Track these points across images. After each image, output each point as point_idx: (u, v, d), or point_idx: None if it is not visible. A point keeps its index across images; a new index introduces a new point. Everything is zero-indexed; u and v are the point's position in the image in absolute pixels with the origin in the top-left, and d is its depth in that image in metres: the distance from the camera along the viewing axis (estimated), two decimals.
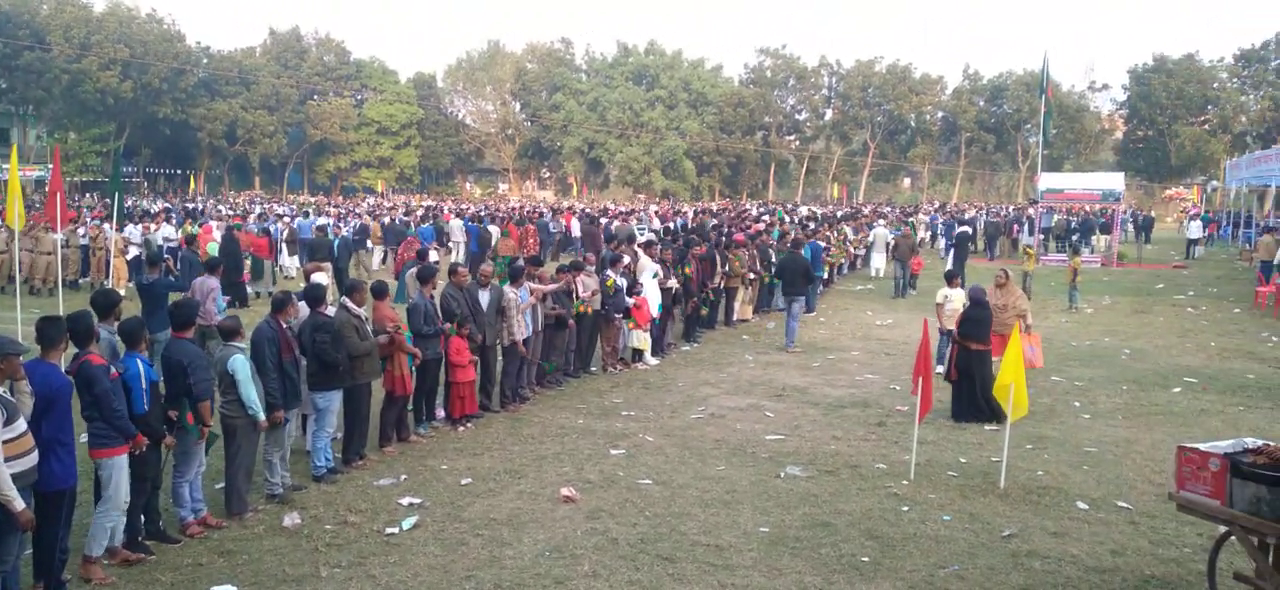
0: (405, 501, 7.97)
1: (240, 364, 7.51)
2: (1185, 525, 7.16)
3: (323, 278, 10.63)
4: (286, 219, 30.69)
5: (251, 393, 7.51)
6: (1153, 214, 45.03)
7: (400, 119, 77.71)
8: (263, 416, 7.59)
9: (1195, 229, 36.03)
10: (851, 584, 6.42)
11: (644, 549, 6.96)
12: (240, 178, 76.68)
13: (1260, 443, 5.78)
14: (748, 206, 50.53)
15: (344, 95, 76.96)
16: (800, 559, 6.84)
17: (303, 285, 11.35)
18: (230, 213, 35.29)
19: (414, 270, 11.52)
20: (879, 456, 9.46)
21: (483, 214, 33.84)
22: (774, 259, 19.04)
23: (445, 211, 37.22)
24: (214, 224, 27.24)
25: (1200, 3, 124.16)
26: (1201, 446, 5.83)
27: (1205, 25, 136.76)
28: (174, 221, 26.99)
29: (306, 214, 34.58)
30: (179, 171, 71.19)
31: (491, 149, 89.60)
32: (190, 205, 43.05)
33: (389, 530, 7.32)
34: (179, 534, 7.22)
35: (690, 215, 37.15)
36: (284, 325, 8.37)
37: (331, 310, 9.03)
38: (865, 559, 6.84)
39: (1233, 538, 5.75)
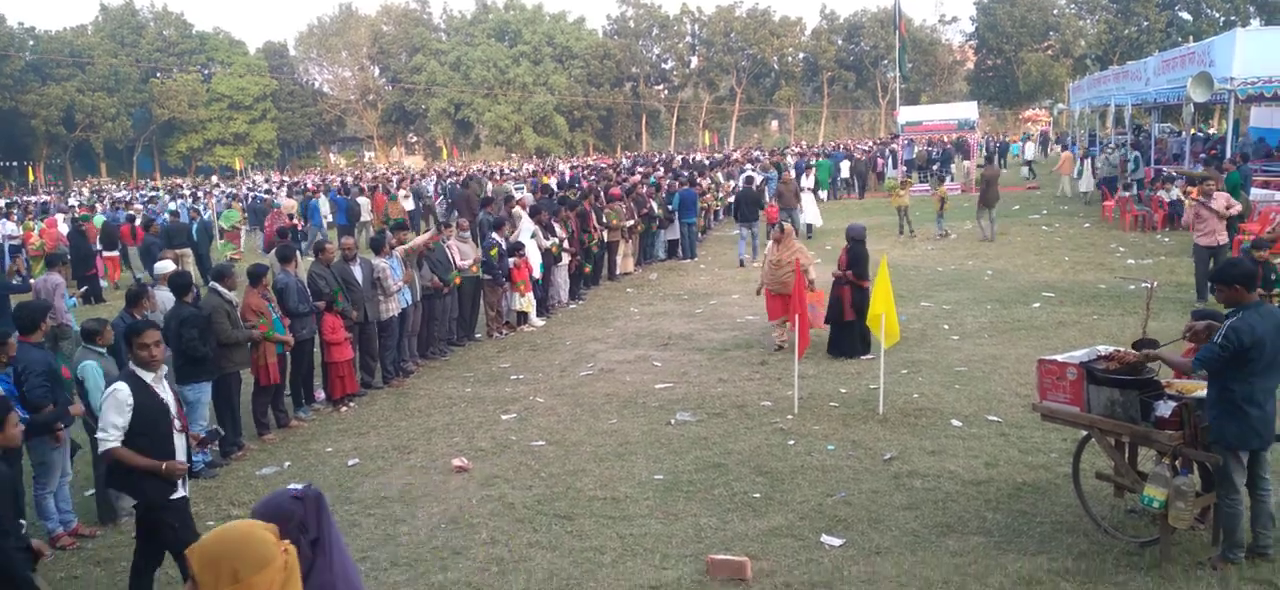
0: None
1: (90, 370, 7.05)
2: (1051, 433, 7.61)
3: (168, 265, 10.06)
4: (136, 205, 29.00)
5: (100, 400, 7.03)
6: (1006, 138, 47.36)
7: (253, 92, 74.27)
8: None
9: (1029, 150, 38.64)
10: (745, 521, 6.58)
11: (541, 510, 6.96)
12: (84, 165, 71.95)
13: (1112, 349, 6.15)
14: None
15: (190, 71, 72.95)
16: (695, 502, 6.96)
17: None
18: (77, 204, 33.14)
19: (275, 250, 11.08)
20: (764, 395, 9.69)
21: (349, 184, 32.74)
22: (656, 210, 19.37)
23: (310, 186, 35.87)
24: (59, 217, 25.57)
25: None
26: (1059, 357, 6.16)
27: None
28: (14, 218, 25.11)
29: (155, 198, 32.80)
30: (14, 164, 66.24)
31: (353, 117, 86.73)
32: (36, 200, 40.14)
33: None
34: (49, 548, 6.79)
35: (566, 171, 37.00)
36: (140, 319, 7.92)
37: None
38: (757, 495, 7.02)
39: (1093, 440, 6.14)
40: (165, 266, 10.09)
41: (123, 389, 5.20)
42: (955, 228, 21.30)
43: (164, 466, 5.26)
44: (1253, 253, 10.20)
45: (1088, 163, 27.75)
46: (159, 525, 5.34)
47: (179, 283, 8.54)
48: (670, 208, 20.19)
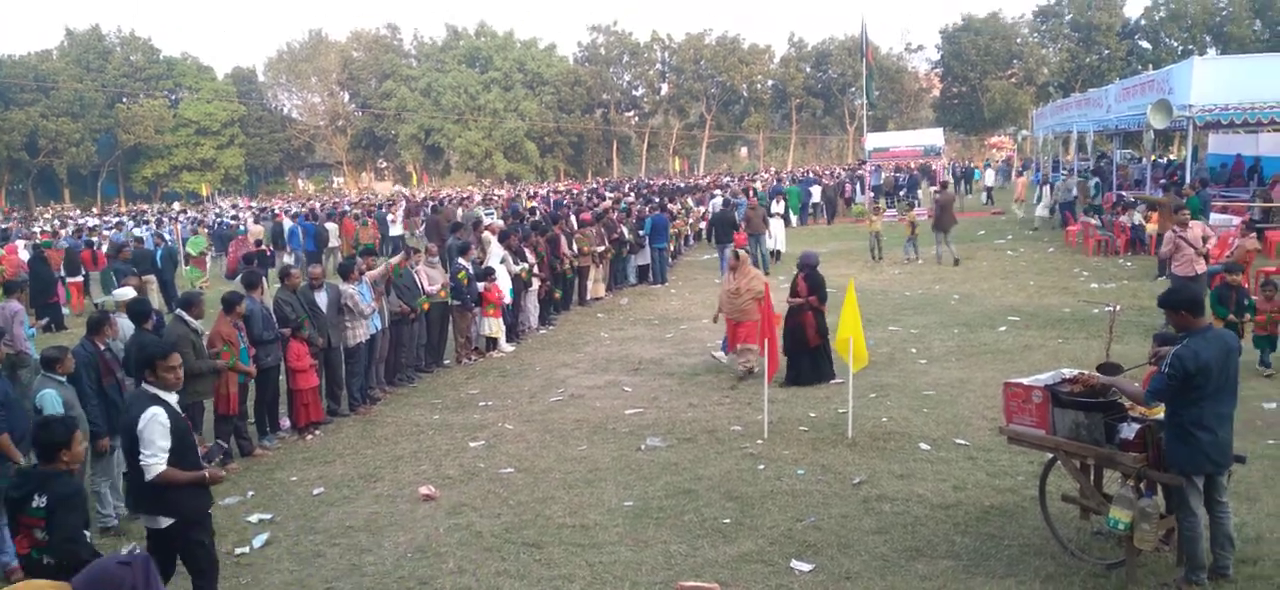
0: (254, 518, 7.59)
1: (49, 399, 6.89)
2: (1017, 456, 7.66)
3: (128, 292, 9.90)
4: (102, 232, 28.59)
5: None
6: (971, 164, 48.04)
7: (221, 117, 73.64)
8: None
9: (990, 177, 39.33)
10: (715, 546, 6.55)
11: (509, 538, 6.89)
12: (47, 191, 70.87)
13: (1076, 372, 6.22)
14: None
15: (156, 96, 72.11)
16: (665, 528, 6.93)
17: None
18: (40, 230, 32.61)
19: (241, 276, 10.95)
20: (734, 419, 9.68)
21: (318, 211, 32.50)
22: (627, 235, 19.46)
23: (278, 211, 35.56)
24: (20, 243, 25.14)
25: None
26: (1025, 380, 6.21)
27: None
28: None
29: (121, 224, 32.36)
30: None
31: (322, 142, 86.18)
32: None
33: (238, 550, 6.95)
34: (3, 580, 6.62)
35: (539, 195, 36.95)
36: (102, 346, 7.79)
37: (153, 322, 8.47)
38: (727, 521, 6.99)
39: (1058, 463, 6.19)
40: (125, 293, 9.93)
41: (161, 412, 5.21)
42: (923, 253, 21.51)
43: (208, 475, 5.39)
44: (1226, 276, 10.42)
45: (1046, 188, 28.17)
46: (190, 544, 5.41)
47: (136, 310, 8.40)
48: (641, 232, 20.24)
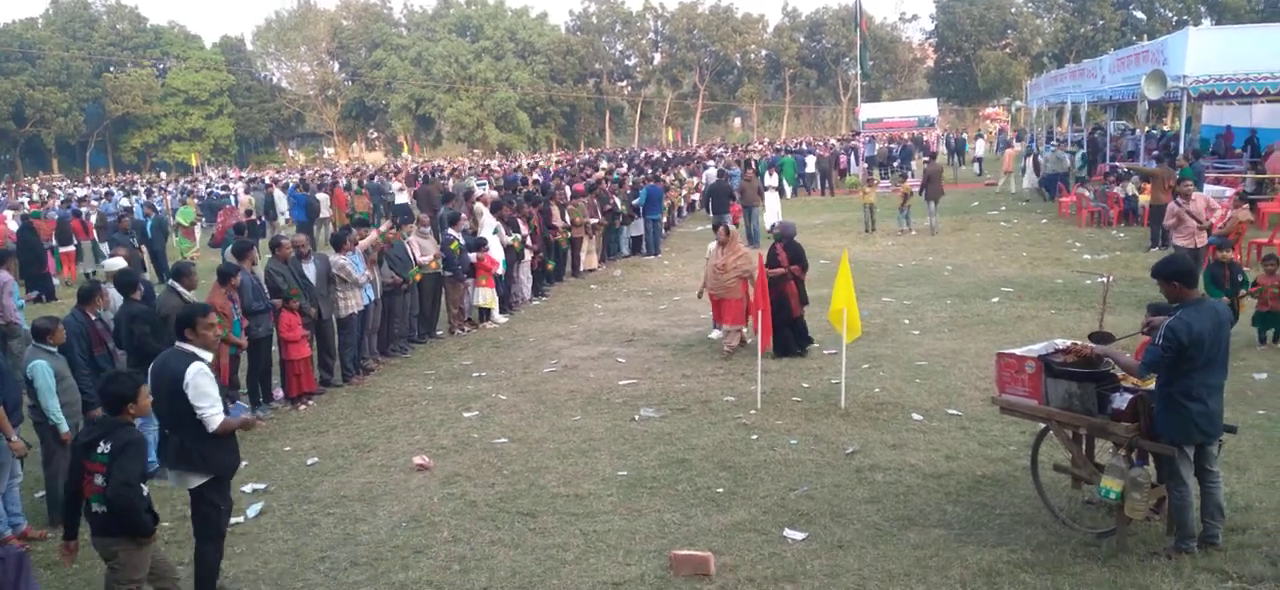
0: (248, 488, 7.59)
1: (40, 370, 6.83)
2: (1009, 426, 7.69)
3: (118, 262, 9.81)
4: (91, 202, 28.41)
5: (52, 402, 6.82)
6: (965, 135, 47.97)
7: (209, 87, 73.02)
8: (65, 427, 6.86)
9: (979, 147, 39.27)
10: (708, 516, 6.58)
11: (504, 507, 6.90)
12: (36, 161, 70.27)
13: (1069, 343, 6.23)
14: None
15: (144, 65, 71.44)
16: (659, 497, 6.95)
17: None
18: (28, 201, 32.37)
19: (230, 246, 10.90)
20: (727, 389, 9.70)
21: (308, 181, 32.32)
22: (619, 206, 19.42)
23: (268, 182, 35.36)
24: (8, 214, 24.97)
25: None
26: (1018, 351, 6.23)
27: None
28: None
29: (110, 194, 32.15)
30: None
31: (312, 112, 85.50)
32: None
33: (233, 520, 6.92)
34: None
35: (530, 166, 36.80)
36: (93, 317, 7.75)
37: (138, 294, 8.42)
38: (720, 490, 7.02)
39: (1050, 433, 6.21)
40: (115, 263, 9.85)
41: (205, 366, 5.43)
42: (916, 224, 21.52)
43: (251, 420, 6.10)
44: (1217, 252, 10.24)
45: (1029, 160, 28.10)
46: (208, 506, 5.51)
47: (125, 280, 8.34)
48: (635, 203, 20.19)
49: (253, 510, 7.11)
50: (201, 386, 5.31)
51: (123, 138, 71.98)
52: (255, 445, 8.75)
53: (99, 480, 4.70)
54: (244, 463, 8.20)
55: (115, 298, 8.68)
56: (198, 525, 5.58)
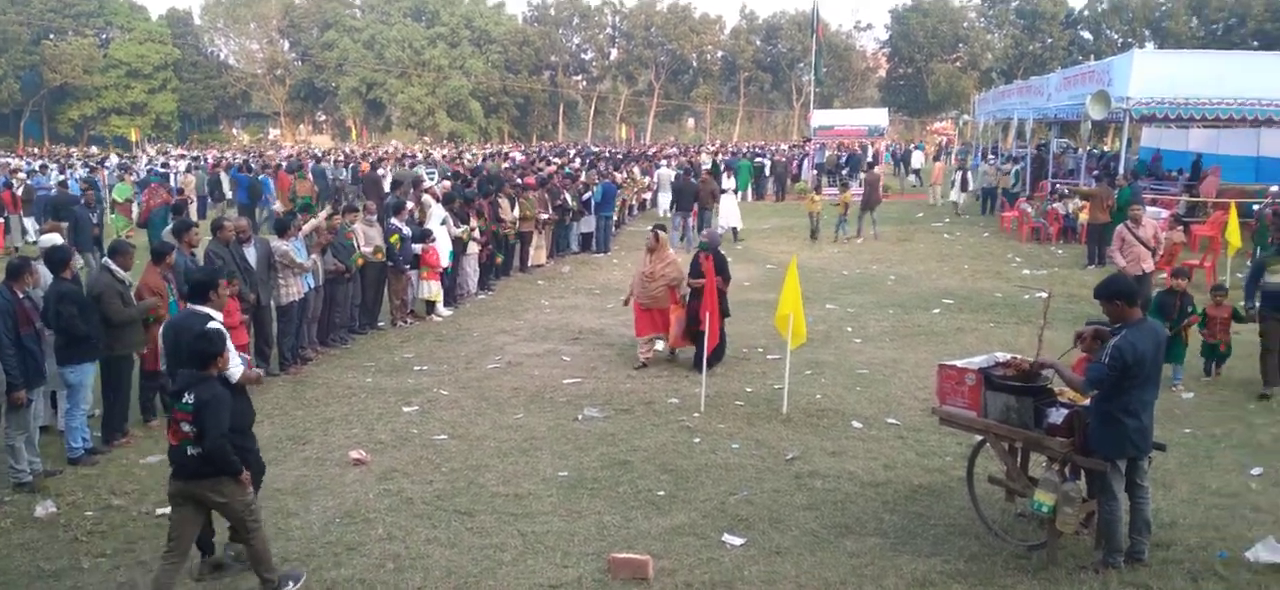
0: None
1: None
2: (946, 436, 7.79)
3: (53, 238, 9.48)
4: (21, 174, 27.45)
5: None
6: (912, 146, 48.67)
7: (153, 60, 70.95)
8: None
9: (917, 159, 39.99)
10: (648, 518, 6.56)
11: (441, 505, 6.81)
12: None
13: (1009, 356, 6.33)
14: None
15: (86, 34, 69.28)
16: (599, 499, 6.91)
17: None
18: None
19: (169, 227, 10.60)
20: (672, 391, 9.70)
21: (251, 162, 31.60)
22: (570, 202, 19.30)
23: (209, 162, 34.49)
24: None
25: None
26: (959, 363, 6.31)
27: None
28: None
29: (44, 167, 31.14)
30: None
31: (259, 92, 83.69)
32: None
33: (161, 510, 6.74)
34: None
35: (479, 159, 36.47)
36: (21, 295, 7.46)
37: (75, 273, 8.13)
38: (661, 493, 7.00)
39: (986, 445, 6.30)
40: (50, 239, 9.52)
41: (221, 327, 5.82)
42: (863, 231, 21.76)
43: (260, 374, 6.70)
44: (1173, 279, 9.70)
45: (959, 175, 28.34)
46: (240, 454, 5.63)
47: (55, 257, 8.05)
48: (587, 199, 20.06)
49: None
50: (228, 341, 5.69)
51: (60, 109, 69.65)
52: None
53: (186, 426, 5.17)
54: None
55: (45, 275, 8.38)
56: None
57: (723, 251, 11.08)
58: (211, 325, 5.69)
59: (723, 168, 29.72)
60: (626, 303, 11.26)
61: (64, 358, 7.65)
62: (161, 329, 6.59)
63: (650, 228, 11.47)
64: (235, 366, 5.71)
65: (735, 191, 27.36)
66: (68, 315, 7.55)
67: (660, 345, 11.00)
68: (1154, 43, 66.98)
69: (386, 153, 45.30)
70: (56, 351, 7.66)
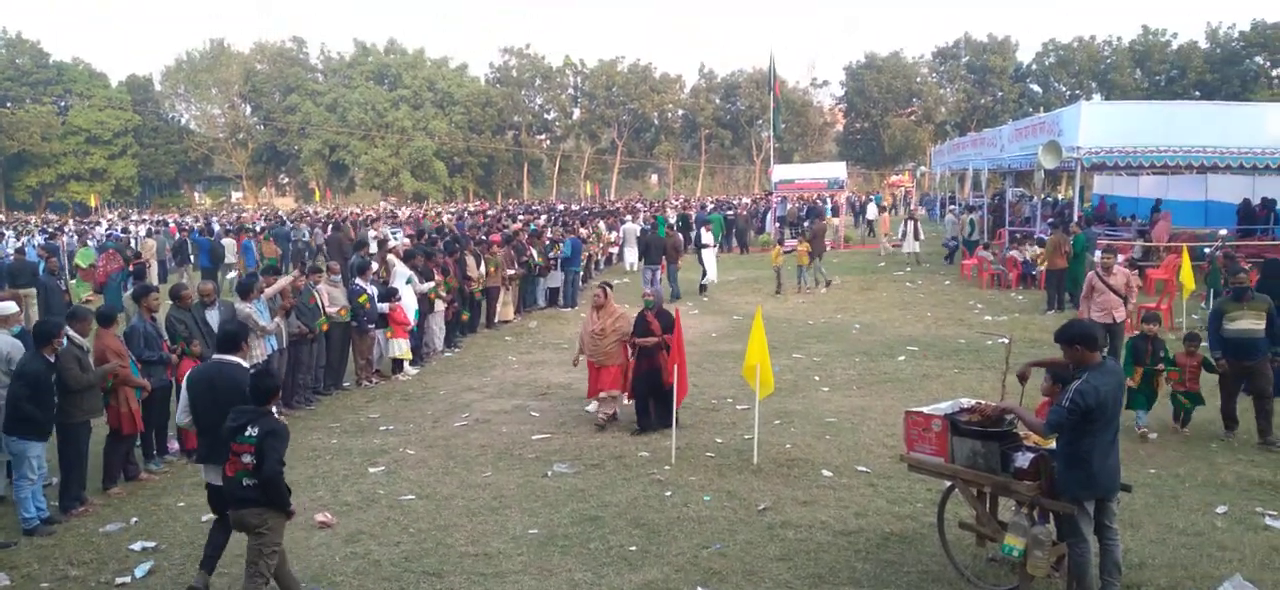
0: (137, 546, 7.20)
1: None
2: (917, 483, 7.82)
3: (10, 306, 9.26)
4: None
5: None
6: (868, 198, 49.52)
7: (113, 126, 70.52)
8: None
9: (871, 210, 40.63)
10: (620, 575, 6.49)
11: (409, 567, 6.69)
12: None
13: (974, 402, 6.39)
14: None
15: (44, 102, 68.66)
16: (570, 556, 6.83)
17: None
18: None
19: (129, 292, 10.44)
20: (642, 445, 9.65)
21: (214, 226, 31.32)
22: (536, 258, 19.33)
23: (171, 225, 34.15)
24: None
25: (901, 5, 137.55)
26: (925, 409, 6.36)
27: (907, 26, 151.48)
28: None
29: (1, 234, 30.63)
30: None
31: (221, 155, 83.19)
32: None
33: (120, 580, 6.58)
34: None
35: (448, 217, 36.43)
36: None
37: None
38: (633, 548, 6.94)
39: (956, 491, 6.34)
40: (7, 307, 9.32)
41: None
42: (806, 282, 21.98)
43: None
44: (1145, 324, 9.72)
45: (910, 225, 28.28)
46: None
47: (41, 332, 7.84)
48: (553, 256, 20.10)
49: (141, 570, 6.74)
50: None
51: (17, 175, 68.73)
52: (147, 501, 8.34)
53: (247, 458, 5.46)
54: (134, 519, 7.85)
55: (8, 345, 8.17)
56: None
57: (668, 308, 10.76)
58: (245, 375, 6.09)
59: (698, 223, 29.86)
60: (576, 363, 11.09)
61: (9, 428, 7.49)
62: (188, 379, 6.51)
63: (598, 284, 11.37)
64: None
65: (714, 244, 27.39)
66: (15, 392, 7.39)
67: (623, 400, 10.63)
68: (1100, 94, 69.02)
69: (352, 213, 45.09)
70: (5, 420, 7.49)
